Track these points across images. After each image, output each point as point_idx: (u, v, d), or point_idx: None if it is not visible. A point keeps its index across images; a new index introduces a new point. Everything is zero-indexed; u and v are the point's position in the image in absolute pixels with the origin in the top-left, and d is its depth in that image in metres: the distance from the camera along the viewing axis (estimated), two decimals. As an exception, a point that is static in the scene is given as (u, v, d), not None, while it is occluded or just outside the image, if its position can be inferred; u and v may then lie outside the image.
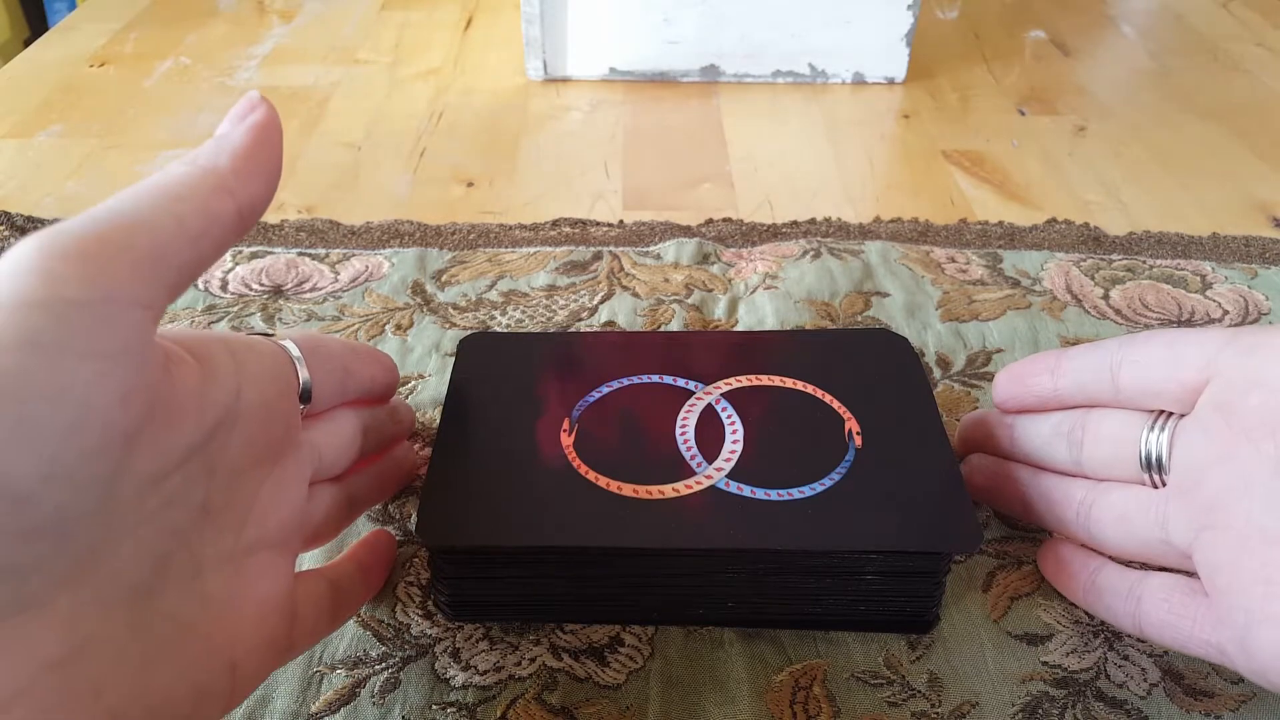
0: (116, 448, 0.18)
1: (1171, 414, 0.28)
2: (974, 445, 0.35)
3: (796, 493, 0.30)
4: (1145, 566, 0.30)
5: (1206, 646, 0.26)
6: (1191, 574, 0.28)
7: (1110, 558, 0.31)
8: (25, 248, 0.18)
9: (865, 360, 0.36)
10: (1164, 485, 0.28)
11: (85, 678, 0.19)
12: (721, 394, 0.34)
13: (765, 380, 0.35)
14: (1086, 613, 0.32)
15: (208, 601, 0.22)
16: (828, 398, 0.34)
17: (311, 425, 0.27)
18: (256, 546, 0.24)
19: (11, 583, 0.18)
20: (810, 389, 0.34)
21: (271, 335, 0.26)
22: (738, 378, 0.35)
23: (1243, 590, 0.25)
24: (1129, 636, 0.31)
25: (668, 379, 0.35)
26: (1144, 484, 0.29)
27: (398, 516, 0.35)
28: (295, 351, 0.26)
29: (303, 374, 0.26)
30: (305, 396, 0.26)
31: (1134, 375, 0.29)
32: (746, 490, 0.31)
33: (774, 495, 0.30)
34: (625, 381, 0.35)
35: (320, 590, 0.27)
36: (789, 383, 0.35)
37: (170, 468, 0.20)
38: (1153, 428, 0.28)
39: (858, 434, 0.33)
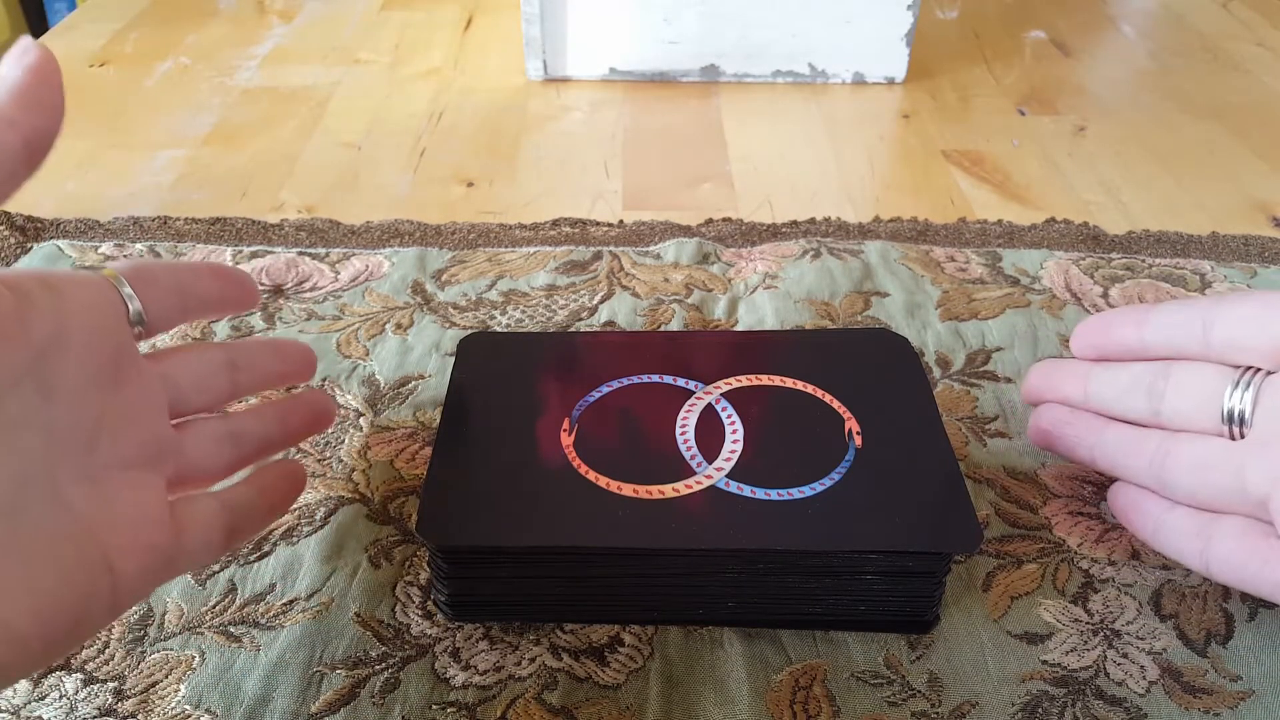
0: None
1: (1258, 371, 0.29)
2: (1043, 393, 0.36)
3: (796, 493, 0.30)
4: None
5: (1275, 588, 0.28)
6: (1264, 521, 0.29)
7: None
8: None
9: (865, 360, 0.36)
10: (1242, 438, 0.29)
11: None
12: (721, 394, 0.34)
13: (765, 380, 0.35)
14: (1145, 555, 0.33)
15: (73, 515, 0.23)
16: (828, 397, 0.34)
17: (164, 357, 0.29)
18: (116, 465, 0.25)
19: None
20: (810, 389, 0.34)
21: (94, 268, 0.27)
22: (738, 377, 0.35)
23: None
24: (1128, 633, 0.31)
25: (668, 379, 0.35)
26: (1221, 436, 0.30)
27: (397, 516, 0.35)
28: (119, 278, 0.27)
29: (131, 300, 0.27)
30: (140, 321, 0.27)
31: (1226, 331, 0.30)
32: (746, 490, 0.31)
33: (774, 495, 0.30)
34: (625, 381, 0.35)
35: (210, 509, 0.28)
36: (789, 382, 0.35)
37: (4, 391, 0.22)
38: (1238, 384, 0.30)
39: (858, 434, 0.33)
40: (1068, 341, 0.44)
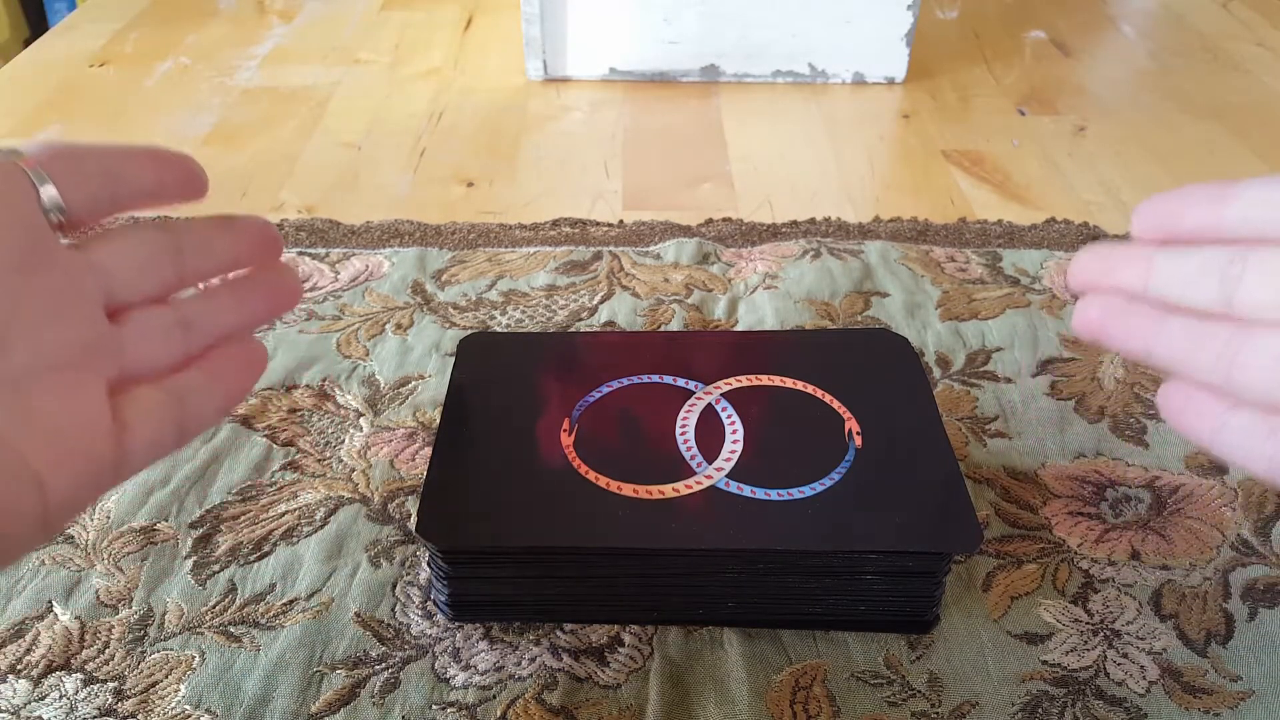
0: None
1: None
2: (1096, 279, 0.32)
3: (797, 493, 0.30)
4: None
5: None
6: None
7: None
8: None
9: (865, 360, 0.36)
10: None
11: None
12: (721, 394, 0.34)
13: (765, 380, 0.35)
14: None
15: None
16: (828, 397, 0.34)
17: (94, 245, 0.26)
18: (39, 367, 0.23)
19: None
20: (810, 389, 0.34)
21: (5, 152, 0.24)
22: (738, 377, 0.35)
23: None
24: (1128, 633, 0.31)
25: (668, 379, 0.35)
26: None
27: (397, 516, 0.35)
28: (24, 156, 0.24)
29: (45, 187, 0.24)
30: (58, 208, 0.24)
31: None
32: (746, 490, 0.31)
33: (774, 495, 0.30)
34: (625, 381, 0.35)
35: (155, 402, 0.25)
36: (789, 382, 0.35)
37: None
38: None
39: (858, 434, 0.33)
40: (1068, 341, 0.44)
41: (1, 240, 0.22)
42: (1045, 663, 0.31)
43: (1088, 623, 0.32)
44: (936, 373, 0.42)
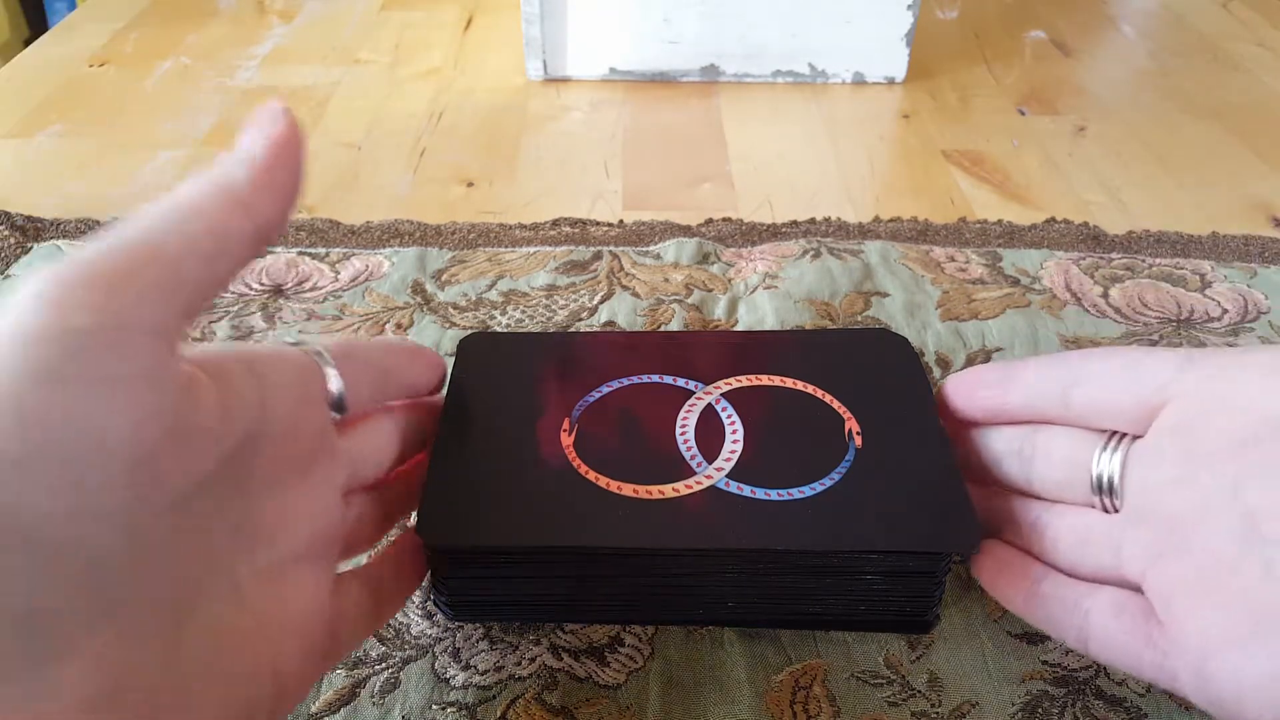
0: (136, 474, 0.18)
1: (1124, 436, 0.27)
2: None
3: (796, 492, 0.30)
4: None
5: (1158, 671, 0.25)
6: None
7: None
8: (39, 279, 0.18)
9: (865, 360, 0.36)
10: (1116, 511, 0.27)
11: (125, 713, 0.18)
12: (721, 394, 0.34)
13: (765, 380, 0.35)
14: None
15: (245, 617, 0.21)
16: (828, 398, 0.34)
17: (348, 433, 0.27)
18: (291, 560, 0.23)
19: (42, 629, 0.17)
20: (810, 389, 0.34)
21: (301, 345, 0.25)
22: (738, 378, 0.35)
23: (1201, 617, 0.24)
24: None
25: (668, 379, 0.35)
26: (1094, 508, 0.28)
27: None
28: (326, 359, 0.25)
29: (334, 382, 0.25)
30: (340, 405, 0.25)
31: (1088, 393, 0.28)
32: (746, 490, 0.31)
33: (774, 495, 0.30)
34: (625, 381, 0.35)
35: (359, 593, 0.27)
36: (789, 382, 0.35)
37: (193, 491, 0.20)
38: (1105, 448, 0.27)
39: (858, 434, 0.33)
40: (1068, 341, 0.44)
41: (298, 442, 0.23)
42: (1045, 663, 0.31)
43: (1088, 623, 0.32)
44: (936, 373, 0.42)
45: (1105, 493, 0.27)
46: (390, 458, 0.29)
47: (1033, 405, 0.30)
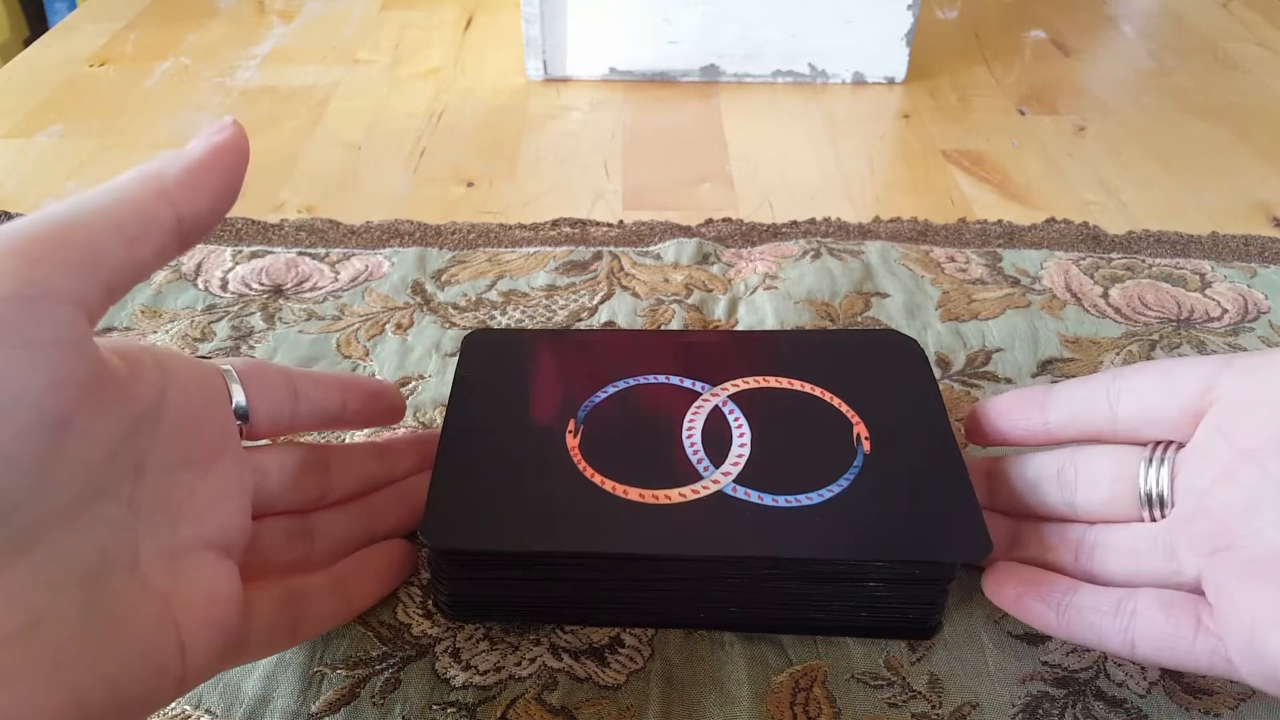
0: (50, 431, 0.20)
1: (1169, 445, 0.28)
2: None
3: (804, 499, 0.30)
4: None
5: (1212, 657, 0.25)
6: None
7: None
8: None
9: (874, 362, 0.36)
10: (1164, 518, 0.28)
11: (43, 651, 0.20)
12: (729, 395, 0.34)
13: (773, 382, 0.35)
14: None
15: (151, 589, 0.23)
16: (836, 401, 0.34)
17: (258, 450, 0.29)
18: (196, 545, 0.25)
19: None
20: (818, 392, 0.34)
21: (209, 358, 0.27)
22: (745, 379, 0.35)
23: (1253, 597, 0.24)
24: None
25: (674, 379, 0.35)
26: (1142, 520, 0.28)
27: (398, 517, 0.35)
28: (232, 375, 0.27)
29: (237, 392, 0.27)
30: (244, 415, 0.27)
31: (1132, 403, 0.29)
32: (754, 496, 0.30)
33: (781, 501, 0.30)
34: (631, 382, 0.35)
35: (275, 597, 0.28)
36: (797, 385, 0.35)
37: (100, 458, 0.22)
38: (1150, 462, 0.28)
39: (866, 439, 0.32)
40: (1069, 341, 0.44)
41: (196, 434, 0.25)
42: (1046, 664, 0.31)
43: (1088, 623, 0.32)
44: (937, 373, 0.42)
45: (1154, 505, 0.28)
46: (307, 485, 0.30)
47: (1078, 421, 0.30)
